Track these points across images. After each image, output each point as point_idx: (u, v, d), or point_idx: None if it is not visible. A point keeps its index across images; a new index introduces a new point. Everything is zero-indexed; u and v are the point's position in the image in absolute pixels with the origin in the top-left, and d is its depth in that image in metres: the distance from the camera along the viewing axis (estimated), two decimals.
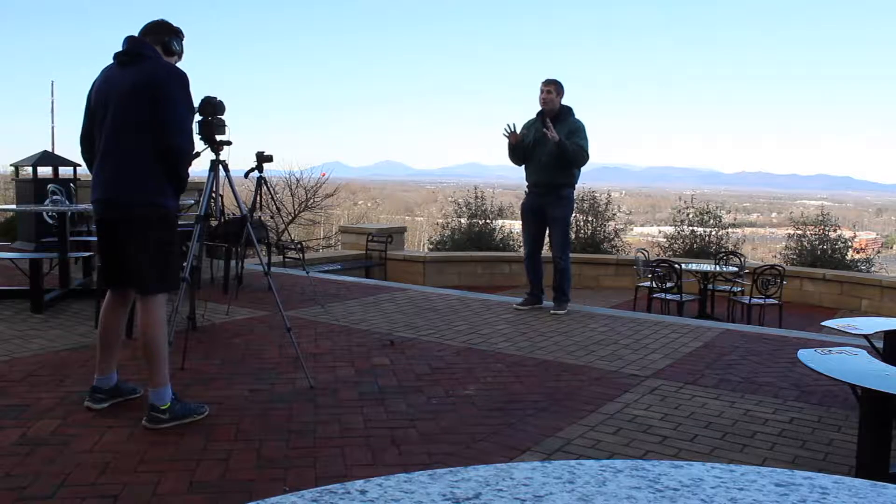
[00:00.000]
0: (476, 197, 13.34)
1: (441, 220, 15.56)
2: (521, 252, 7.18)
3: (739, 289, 8.77)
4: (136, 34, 3.57)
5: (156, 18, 3.66)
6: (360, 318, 6.08)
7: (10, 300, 6.24)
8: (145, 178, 3.42)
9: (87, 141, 3.57)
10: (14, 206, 9.12)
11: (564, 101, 6.52)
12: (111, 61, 3.55)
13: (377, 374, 4.44)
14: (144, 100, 3.36)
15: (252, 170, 6.41)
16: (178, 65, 3.64)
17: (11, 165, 11.09)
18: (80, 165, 9.81)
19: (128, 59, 3.47)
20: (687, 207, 12.81)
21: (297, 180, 16.09)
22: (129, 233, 3.44)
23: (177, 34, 3.66)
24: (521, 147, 6.52)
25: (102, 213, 3.52)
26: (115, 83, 3.43)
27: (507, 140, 6.50)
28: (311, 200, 15.96)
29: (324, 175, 17.00)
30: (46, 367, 4.36)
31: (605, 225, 12.69)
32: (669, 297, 8.15)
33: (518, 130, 6.58)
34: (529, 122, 6.65)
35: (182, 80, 3.46)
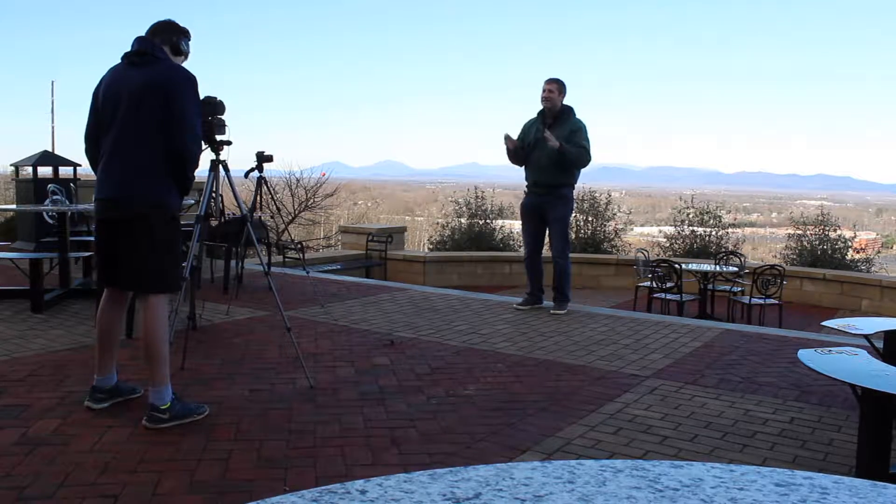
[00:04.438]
0: (476, 197, 13.34)
1: (441, 220, 15.56)
2: (521, 252, 7.19)
3: (739, 289, 8.77)
4: (143, 34, 3.57)
5: (163, 18, 3.67)
6: (360, 318, 6.08)
7: (10, 300, 6.24)
8: (154, 178, 3.42)
9: (92, 140, 3.57)
10: (14, 206, 9.12)
11: (566, 101, 6.52)
12: (118, 61, 3.55)
13: (377, 374, 4.44)
14: (155, 101, 3.37)
15: (252, 170, 6.41)
16: (184, 65, 3.65)
17: (11, 165, 11.08)
18: (80, 165, 9.79)
19: (138, 60, 3.47)
20: (687, 207, 12.81)
21: (297, 180, 16.11)
22: (135, 232, 3.43)
23: (185, 34, 3.67)
24: (522, 150, 6.53)
25: (107, 213, 3.51)
26: (124, 83, 3.44)
27: (506, 146, 6.52)
28: (311, 200, 15.97)
29: (324, 175, 17.02)
30: (46, 367, 4.35)
31: (605, 225, 12.70)
32: (669, 297, 8.15)
33: (518, 132, 6.60)
34: (530, 121, 6.64)
35: (192, 82, 3.48)
